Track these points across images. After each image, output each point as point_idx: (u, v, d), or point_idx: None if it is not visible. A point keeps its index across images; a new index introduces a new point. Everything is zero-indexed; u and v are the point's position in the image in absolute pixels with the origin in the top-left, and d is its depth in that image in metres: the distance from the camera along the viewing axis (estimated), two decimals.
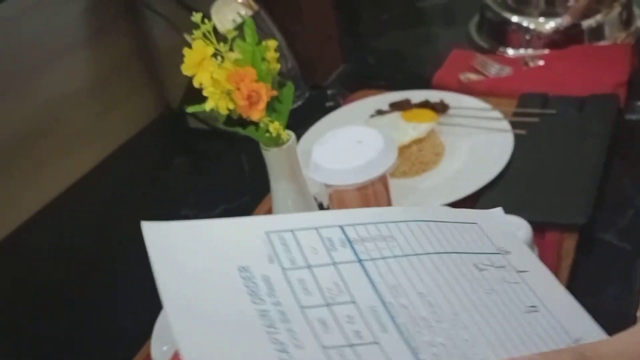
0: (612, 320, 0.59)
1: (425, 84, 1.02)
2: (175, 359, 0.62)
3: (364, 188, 0.63)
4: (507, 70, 1.00)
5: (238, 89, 0.54)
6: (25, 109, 0.91)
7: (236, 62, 0.58)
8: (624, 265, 0.66)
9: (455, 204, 0.72)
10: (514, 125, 0.85)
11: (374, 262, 0.36)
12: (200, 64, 0.54)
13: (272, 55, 0.61)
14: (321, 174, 0.61)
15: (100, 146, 1.03)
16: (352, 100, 1.03)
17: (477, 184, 0.77)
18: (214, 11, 1.02)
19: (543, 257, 0.63)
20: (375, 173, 0.60)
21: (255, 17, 1.01)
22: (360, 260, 0.36)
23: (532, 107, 0.89)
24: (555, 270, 0.64)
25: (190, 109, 0.59)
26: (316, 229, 0.37)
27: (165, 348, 0.64)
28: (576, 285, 0.63)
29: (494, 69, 1.00)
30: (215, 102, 0.56)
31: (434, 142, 0.84)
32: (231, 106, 0.56)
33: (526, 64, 1.00)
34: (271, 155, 0.69)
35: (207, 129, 1.06)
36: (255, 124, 0.65)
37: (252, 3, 1.03)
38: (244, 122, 0.63)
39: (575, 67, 0.95)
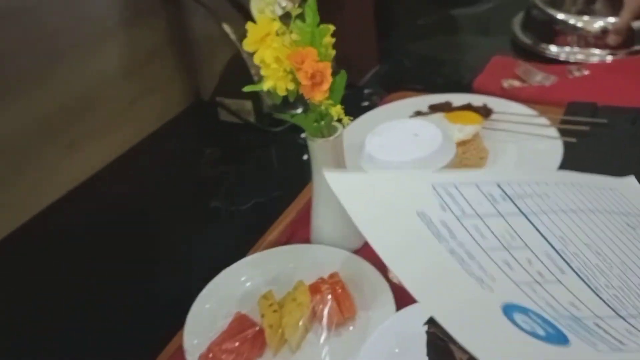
0: None
1: (464, 90, 0.98)
2: (208, 351, 0.59)
3: None
4: (551, 79, 0.97)
5: (300, 68, 0.51)
6: (60, 92, 0.89)
7: (294, 44, 0.55)
8: None
9: None
10: (563, 133, 0.82)
11: (536, 215, 0.37)
12: (263, 40, 0.51)
13: (329, 40, 0.58)
14: (377, 166, 0.58)
15: (132, 132, 1.01)
16: (389, 100, 1.00)
17: None
18: (254, 2, 1.00)
19: None
20: (434, 167, 0.57)
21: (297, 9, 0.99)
22: (524, 213, 0.37)
23: (580, 116, 0.85)
24: None
25: (247, 88, 0.56)
26: (476, 184, 0.39)
27: (196, 341, 0.61)
28: None
29: (538, 77, 0.97)
30: (275, 82, 0.53)
31: (478, 145, 0.81)
32: (291, 86, 0.53)
33: (571, 72, 0.97)
34: (317, 146, 0.66)
35: (237, 122, 1.03)
36: (305, 111, 0.62)
37: (295, 8, 1.01)
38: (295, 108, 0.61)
39: (625, 79, 0.92)
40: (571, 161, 0.78)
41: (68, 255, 0.81)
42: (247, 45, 0.54)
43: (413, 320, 0.59)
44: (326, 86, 0.53)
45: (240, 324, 0.61)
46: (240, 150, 1.00)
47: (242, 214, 0.84)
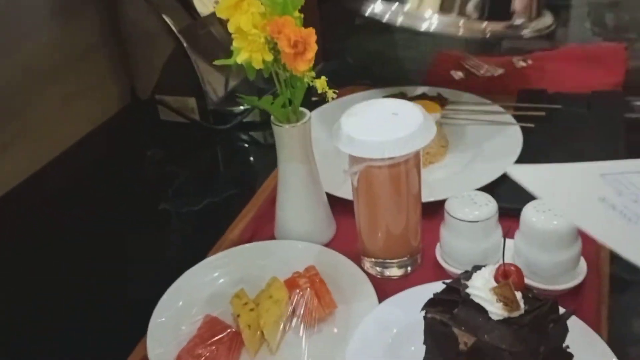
0: None
1: (413, 83, 0.97)
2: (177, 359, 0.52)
3: (397, 165, 0.56)
4: (499, 71, 0.97)
5: (278, 37, 0.46)
6: None
7: (264, 15, 0.50)
8: None
9: None
10: (520, 119, 0.82)
11: None
12: (238, 6, 0.46)
13: (297, 14, 0.54)
14: (355, 147, 0.54)
15: (67, 133, 0.92)
16: (340, 95, 0.97)
17: (490, 176, 0.72)
18: None
19: (583, 247, 0.58)
20: (416, 146, 0.54)
21: None
22: None
23: (532, 102, 0.86)
24: (596, 261, 0.60)
25: (218, 62, 0.51)
26: (638, 172, 0.43)
27: (161, 350, 0.55)
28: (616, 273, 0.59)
29: (485, 69, 0.98)
30: (250, 54, 0.48)
31: (439, 134, 0.79)
32: (269, 57, 0.49)
33: (517, 63, 0.98)
34: (284, 133, 0.62)
35: (179, 120, 0.97)
36: (273, 96, 0.58)
37: None
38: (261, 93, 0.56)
39: (570, 67, 0.93)
40: (530, 147, 0.77)
41: (3, 261, 0.71)
42: (220, 12, 0.49)
43: (399, 311, 0.56)
44: (310, 54, 0.49)
45: (212, 327, 0.55)
46: (185, 150, 0.94)
47: (195, 215, 0.77)
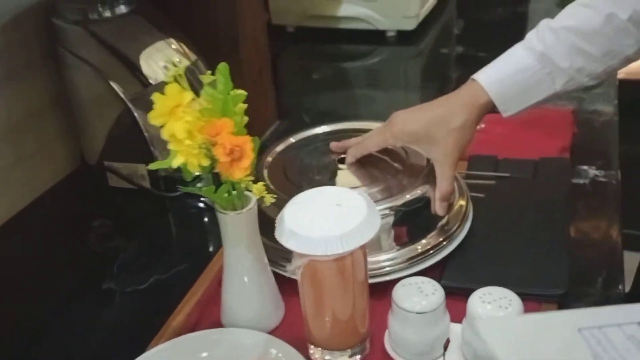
0: None
1: None
2: None
3: (342, 259, 0.55)
4: None
5: (215, 142, 0.45)
6: None
7: (203, 112, 0.49)
8: None
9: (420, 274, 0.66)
10: (470, 187, 0.82)
11: None
12: (173, 113, 0.45)
13: (241, 106, 0.53)
14: (298, 243, 0.53)
15: (8, 201, 0.89)
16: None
17: (442, 253, 0.72)
18: (144, 58, 0.93)
19: None
20: (360, 241, 0.53)
21: (192, 67, 0.94)
22: None
23: (483, 168, 0.86)
24: None
25: (152, 166, 0.49)
26: (618, 325, 0.40)
27: None
28: None
29: None
30: (186, 158, 0.46)
31: None
32: (205, 163, 0.47)
33: None
34: (229, 220, 0.60)
35: (129, 187, 0.94)
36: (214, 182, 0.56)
37: (189, 52, 0.95)
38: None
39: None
40: (482, 218, 0.77)
41: None
42: (154, 119, 0.47)
43: None
44: (247, 162, 0.48)
45: None
46: (134, 219, 0.91)
47: (139, 296, 0.74)
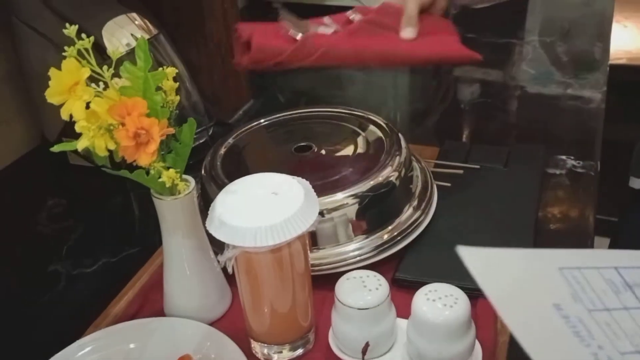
0: None
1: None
2: None
3: (278, 250, 0.52)
4: (333, 27, 0.78)
5: (122, 124, 0.42)
6: None
7: (122, 90, 0.46)
8: None
9: (373, 266, 0.63)
10: (436, 176, 0.79)
11: None
12: (72, 90, 0.42)
13: (170, 84, 0.50)
14: (226, 233, 0.49)
15: None
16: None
17: (398, 246, 0.68)
18: (106, 33, 0.89)
19: (479, 334, 0.55)
20: (294, 233, 0.49)
21: (153, 41, 0.90)
22: None
23: (453, 159, 0.82)
24: (492, 347, 0.57)
25: (56, 148, 0.46)
26: (597, 269, 0.40)
27: None
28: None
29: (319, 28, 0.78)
30: (91, 141, 0.43)
31: None
32: (112, 146, 0.44)
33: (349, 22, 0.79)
34: (165, 205, 0.57)
35: (89, 165, 0.91)
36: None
37: (151, 26, 0.91)
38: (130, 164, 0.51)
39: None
40: (446, 208, 0.74)
41: None
42: (50, 97, 0.44)
43: None
44: (153, 147, 0.44)
45: None
46: (92, 198, 0.88)
47: (85, 279, 0.72)
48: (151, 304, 0.65)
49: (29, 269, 0.75)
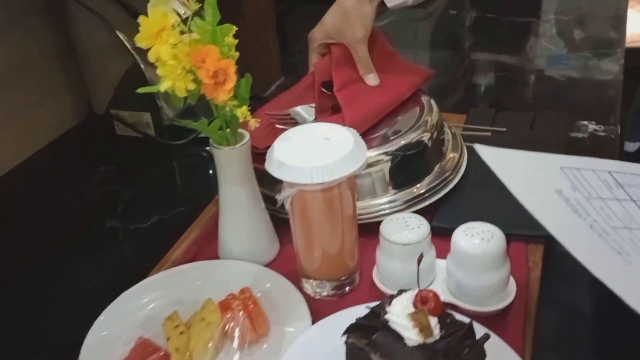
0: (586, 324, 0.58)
1: None
2: None
3: (329, 190, 0.57)
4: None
5: (201, 67, 0.47)
6: None
7: (193, 43, 0.51)
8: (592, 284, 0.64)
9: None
10: (465, 138, 0.84)
11: None
12: (158, 36, 0.47)
13: (231, 41, 0.55)
14: (285, 172, 0.55)
15: (15, 148, 0.92)
16: None
17: (433, 197, 0.73)
18: (151, 7, 0.95)
19: (513, 269, 0.60)
20: (346, 172, 0.55)
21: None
22: (634, 200, 0.45)
23: (481, 123, 0.87)
24: (525, 282, 0.62)
25: (142, 90, 0.52)
26: (593, 170, 0.47)
27: None
28: (548, 295, 0.61)
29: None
30: (173, 82, 0.48)
31: None
32: (191, 87, 0.49)
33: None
34: (223, 155, 0.62)
35: (135, 135, 0.97)
36: (209, 119, 0.58)
37: (193, 2, 0.96)
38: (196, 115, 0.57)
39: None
40: (474, 165, 0.79)
41: None
42: (140, 41, 0.49)
43: (329, 333, 0.57)
44: (230, 85, 0.49)
45: (143, 350, 0.55)
46: (139, 165, 0.94)
47: (143, 233, 0.78)
48: (205, 253, 0.71)
49: (90, 225, 0.80)
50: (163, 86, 0.50)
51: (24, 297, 0.69)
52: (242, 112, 0.52)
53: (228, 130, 0.60)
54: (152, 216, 0.80)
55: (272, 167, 0.56)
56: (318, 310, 0.60)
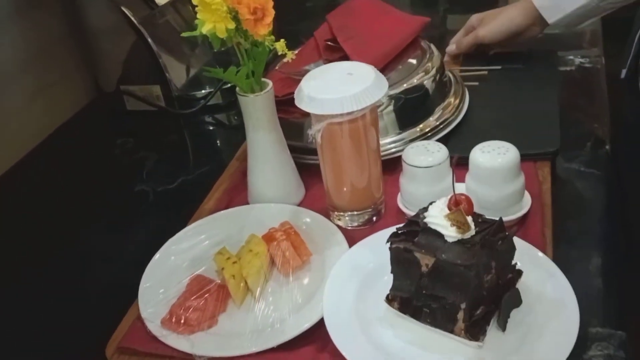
0: (595, 241, 0.63)
1: None
2: (170, 315, 0.57)
3: (355, 121, 0.62)
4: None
5: (240, 3, 0.51)
6: None
7: None
8: (596, 188, 0.70)
9: None
10: (465, 79, 0.89)
11: None
12: None
13: None
14: (316, 105, 0.59)
15: (34, 129, 0.95)
16: None
17: (444, 131, 0.78)
18: None
19: (526, 184, 0.65)
20: (371, 100, 0.59)
21: None
22: None
23: (476, 64, 0.93)
24: (538, 193, 0.67)
25: (185, 34, 0.56)
26: None
27: (152, 310, 0.59)
28: (559, 207, 0.66)
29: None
30: (214, 24, 0.52)
31: None
32: (231, 26, 0.53)
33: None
34: (249, 102, 0.66)
35: (146, 109, 1.00)
36: (237, 67, 0.63)
37: None
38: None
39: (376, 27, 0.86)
40: (479, 101, 0.84)
41: None
42: None
43: (368, 252, 0.62)
44: (269, 19, 0.54)
45: (199, 282, 0.60)
46: (154, 136, 0.97)
47: (171, 193, 0.82)
48: (236, 201, 0.75)
49: (121, 190, 0.84)
50: (205, 28, 0.54)
51: (82, 255, 0.73)
52: (281, 45, 0.57)
53: (253, 78, 0.65)
54: (177, 177, 0.84)
55: (303, 102, 0.60)
56: (350, 238, 0.65)
